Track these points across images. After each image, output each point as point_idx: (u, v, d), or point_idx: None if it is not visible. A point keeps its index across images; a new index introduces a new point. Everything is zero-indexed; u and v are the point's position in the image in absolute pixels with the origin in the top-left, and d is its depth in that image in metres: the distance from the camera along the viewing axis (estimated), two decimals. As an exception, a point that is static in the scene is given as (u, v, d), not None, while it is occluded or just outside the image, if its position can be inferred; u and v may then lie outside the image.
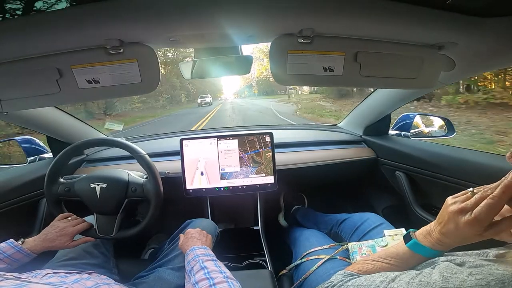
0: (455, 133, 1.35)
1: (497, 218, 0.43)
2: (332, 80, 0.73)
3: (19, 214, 1.09)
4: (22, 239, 0.78)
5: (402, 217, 1.29)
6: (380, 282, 0.48)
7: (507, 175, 0.41)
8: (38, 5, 0.52)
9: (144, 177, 1.00)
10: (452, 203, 0.47)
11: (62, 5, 0.52)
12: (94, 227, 0.93)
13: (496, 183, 0.43)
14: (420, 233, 0.54)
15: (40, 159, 1.35)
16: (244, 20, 0.58)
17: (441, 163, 1.07)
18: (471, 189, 0.47)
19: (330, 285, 0.58)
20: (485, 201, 0.42)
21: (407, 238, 0.56)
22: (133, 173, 1.01)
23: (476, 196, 0.44)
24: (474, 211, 0.43)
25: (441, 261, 0.48)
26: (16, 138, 1.36)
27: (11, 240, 0.76)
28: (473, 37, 0.66)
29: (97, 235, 0.92)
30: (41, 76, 0.65)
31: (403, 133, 1.43)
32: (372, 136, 1.48)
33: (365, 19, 0.60)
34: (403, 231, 0.81)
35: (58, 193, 0.92)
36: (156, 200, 0.93)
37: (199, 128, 8.51)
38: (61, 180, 0.96)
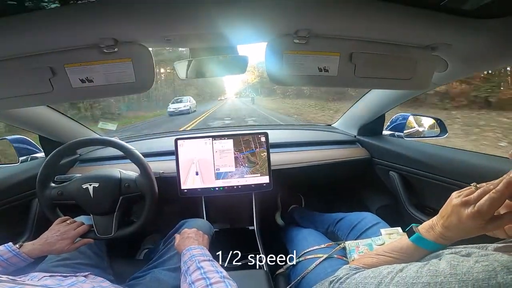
0: (448, 133, 1.37)
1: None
2: (327, 81, 0.73)
3: (11, 215, 1.07)
4: (20, 243, 0.76)
5: (396, 216, 1.30)
6: (388, 273, 0.49)
7: (510, 171, 0.43)
8: (31, 3, 0.51)
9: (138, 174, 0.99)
10: (456, 196, 0.49)
11: (56, 3, 0.52)
12: (93, 228, 0.92)
13: (499, 179, 0.45)
14: (422, 227, 0.55)
15: (32, 158, 1.33)
16: (240, 20, 0.58)
17: (434, 163, 1.08)
18: (474, 183, 0.49)
19: (335, 278, 0.58)
20: (488, 195, 0.44)
21: (410, 233, 0.57)
22: (126, 170, 1.00)
23: (479, 190, 0.46)
24: (477, 204, 0.44)
25: (446, 253, 0.49)
26: (7, 137, 1.33)
27: (10, 243, 0.74)
28: (467, 39, 0.67)
29: (97, 236, 0.91)
30: (33, 75, 0.64)
31: (396, 133, 1.45)
32: (367, 136, 1.49)
33: (360, 20, 0.60)
34: (399, 230, 0.82)
35: (52, 197, 0.91)
36: (151, 193, 0.93)
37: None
38: (53, 184, 0.94)
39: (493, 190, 0.43)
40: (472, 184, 0.49)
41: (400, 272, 0.48)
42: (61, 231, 0.82)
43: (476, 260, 0.41)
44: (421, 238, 0.54)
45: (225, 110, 16.63)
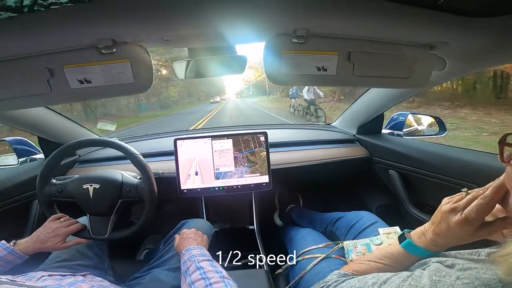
0: (447, 132, 1.37)
1: (489, 218, 0.44)
2: (325, 80, 0.73)
3: (11, 216, 1.07)
4: (14, 241, 0.77)
5: (396, 215, 1.30)
6: (373, 284, 0.49)
7: (501, 176, 0.42)
8: (28, 3, 0.51)
9: (138, 177, 0.99)
10: (446, 203, 0.48)
11: (54, 4, 0.52)
12: (88, 228, 0.92)
13: (488, 184, 0.43)
14: (414, 233, 0.55)
15: (32, 160, 1.33)
16: (238, 20, 0.58)
17: (434, 162, 1.08)
18: (465, 189, 0.47)
19: (325, 285, 0.58)
20: (476, 201, 0.43)
21: (401, 238, 0.56)
22: (127, 173, 1.00)
23: (468, 196, 0.45)
24: (465, 211, 0.43)
25: (432, 262, 0.48)
26: (6, 138, 1.33)
27: (3, 241, 0.75)
28: (464, 37, 0.67)
29: (91, 236, 0.91)
30: (31, 76, 0.64)
31: (395, 132, 1.45)
32: (366, 135, 1.49)
33: (358, 19, 0.60)
34: (397, 229, 0.82)
35: (51, 194, 0.91)
36: (151, 200, 0.93)
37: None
38: (54, 181, 0.94)
39: (481, 196, 0.42)
40: (462, 190, 0.48)
41: (384, 284, 0.47)
42: (52, 228, 0.82)
43: (457, 276, 0.40)
44: (411, 244, 0.53)
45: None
